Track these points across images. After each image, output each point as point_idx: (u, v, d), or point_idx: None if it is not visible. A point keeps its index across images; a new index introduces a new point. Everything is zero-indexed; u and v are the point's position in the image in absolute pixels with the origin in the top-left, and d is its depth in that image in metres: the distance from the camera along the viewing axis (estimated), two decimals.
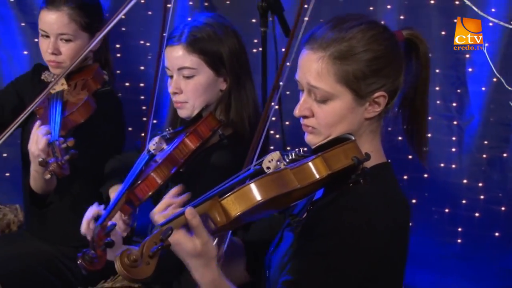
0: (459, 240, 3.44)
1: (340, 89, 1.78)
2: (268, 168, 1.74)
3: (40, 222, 2.84)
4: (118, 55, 3.73)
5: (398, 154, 3.44)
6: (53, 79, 2.75)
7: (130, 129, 3.42)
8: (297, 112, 1.83)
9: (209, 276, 1.68)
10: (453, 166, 3.40)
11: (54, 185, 2.63)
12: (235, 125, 2.42)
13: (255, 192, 1.65)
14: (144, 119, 2.57)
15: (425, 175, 3.44)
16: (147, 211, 2.28)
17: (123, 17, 3.58)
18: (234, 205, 1.66)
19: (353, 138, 1.79)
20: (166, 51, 2.42)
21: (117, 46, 3.72)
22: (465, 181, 3.40)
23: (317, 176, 1.72)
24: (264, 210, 1.74)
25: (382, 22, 3.26)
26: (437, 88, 3.36)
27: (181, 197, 2.01)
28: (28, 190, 2.68)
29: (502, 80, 3.00)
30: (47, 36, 2.78)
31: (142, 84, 3.72)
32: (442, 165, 3.42)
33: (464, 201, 3.41)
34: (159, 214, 1.86)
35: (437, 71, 3.35)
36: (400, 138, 3.42)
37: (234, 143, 2.37)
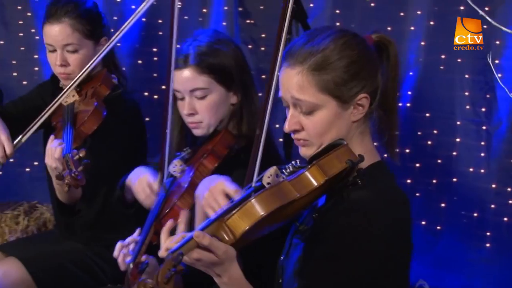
0: (487, 244, 3.45)
1: (324, 98, 1.86)
2: (269, 183, 1.84)
3: (70, 226, 2.95)
4: (155, 58, 3.81)
5: (428, 158, 3.49)
6: (72, 98, 2.83)
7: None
8: (286, 128, 1.92)
9: (233, 276, 1.78)
10: (482, 170, 3.41)
11: (79, 195, 2.74)
12: (248, 137, 2.45)
13: (257, 207, 1.73)
14: None
15: (454, 180, 3.46)
16: None
17: (160, 21, 3.73)
18: (239, 223, 1.74)
19: (345, 143, 1.86)
20: (175, 73, 2.39)
21: (154, 50, 3.80)
22: (493, 185, 3.40)
23: (315, 184, 1.79)
24: (271, 223, 1.81)
25: (412, 28, 3.34)
26: (466, 93, 3.38)
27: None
28: (56, 202, 2.79)
29: (506, 89, 3.01)
30: (54, 50, 2.87)
31: None
32: (471, 169, 3.43)
33: (492, 206, 3.42)
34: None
35: (466, 76, 3.37)
36: (429, 142, 3.47)
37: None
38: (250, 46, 3.70)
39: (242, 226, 1.73)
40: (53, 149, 2.56)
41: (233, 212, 1.75)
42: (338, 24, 3.52)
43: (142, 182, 2.43)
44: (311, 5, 3.53)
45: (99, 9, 2.98)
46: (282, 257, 2.03)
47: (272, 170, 1.88)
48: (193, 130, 2.47)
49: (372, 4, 3.47)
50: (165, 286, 1.66)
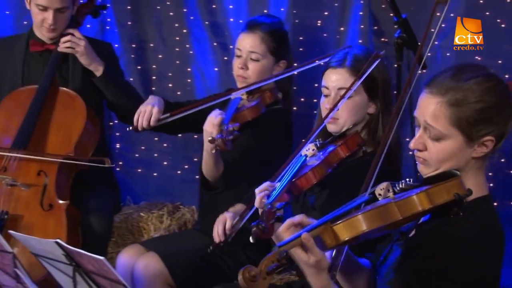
0: None
1: (453, 131, 2.02)
2: (380, 195, 2.06)
3: (208, 220, 3.26)
4: (295, 73, 4.05)
5: None
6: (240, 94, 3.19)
7: (303, 140, 3.73)
8: (412, 145, 2.10)
9: (319, 282, 1.99)
10: None
11: (220, 170, 3.04)
12: (376, 146, 2.68)
13: (362, 222, 1.94)
14: None
15: None
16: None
17: (301, 38, 3.98)
18: (343, 231, 1.95)
19: (459, 174, 2.02)
20: (327, 72, 2.74)
21: (295, 65, 4.05)
22: None
23: (420, 209, 1.98)
24: (371, 234, 2.01)
25: None
26: None
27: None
28: (201, 177, 3.11)
29: None
30: (240, 56, 3.23)
31: (315, 100, 3.99)
32: None
33: None
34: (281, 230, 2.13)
35: None
36: None
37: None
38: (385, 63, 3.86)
39: (345, 235, 1.95)
40: (214, 117, 2.91)
41: (340, 220, 1.97)
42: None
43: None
44: (443, 25, 3.64)
45: (288, 37, 3.37)
46: (381, 259, 2.22)
47: (385, 184, 2.11)
48: (328, 125, 2.75)
49: (503, 25, 3.54)
50: (266, 276, 1.92)
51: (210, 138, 2.85)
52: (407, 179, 2.10)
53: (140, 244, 3.27)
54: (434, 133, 2.04)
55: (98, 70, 3.54)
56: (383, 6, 3.74)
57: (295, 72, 3.33)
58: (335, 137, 2.76)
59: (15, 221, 3.24)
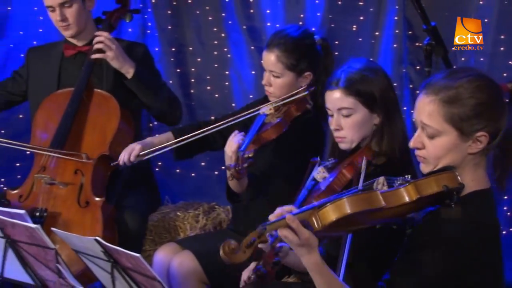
0: None
1: (447, 128, 2.12)
2: (377, 189, 2.14)
3: (239, 220, 3.38)
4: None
5: None
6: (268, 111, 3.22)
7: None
8: (411, 144, 2.21)
9: (312, 260, 2.10)
10: None
11: (244, 185, 3.10)
12: (387, 155, 2.72)
13: (347, 205, 2.05)
14: None
15: None
16: None
17: (336, 42, 4.04)
18: (328, 213, 2.06)
19: (452, 169, 2.12)
20: (326, 94, 2.77)
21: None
22: None
23: (407, 199, 2.09)
24: (360, 221, 2.12)
25: None
26: None
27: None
28: (226, 186, 3.20)
29: None
30: (266, 72, 3.28)
31: None
32: None
33: None
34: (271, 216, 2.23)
35: None
36: None
37: (386, 172, 2.66)
38: (417, 67, 3.92)
39: (330, 217, 2.06)
40: (233, 143, 2.97)
41: (327, 204, 2.08)
42: (502, 49, 3.65)
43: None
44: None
45: (316, 47, 3.29)
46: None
47: (381, 179, 2.20)
48: (339, 144, 2.80)
49: None
50: (245, 249, 2.05)
51: (227, 165, 2.93)
52: (406, 176, 2.19)
53: (176, 243, 3.35)
54: (430, 131, 2.14)
55: (129, 72, 3.59)
56: (418, 11, 3.79)
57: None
58: (345, 155, 2.80)
59: (53, 218, 3.34)
